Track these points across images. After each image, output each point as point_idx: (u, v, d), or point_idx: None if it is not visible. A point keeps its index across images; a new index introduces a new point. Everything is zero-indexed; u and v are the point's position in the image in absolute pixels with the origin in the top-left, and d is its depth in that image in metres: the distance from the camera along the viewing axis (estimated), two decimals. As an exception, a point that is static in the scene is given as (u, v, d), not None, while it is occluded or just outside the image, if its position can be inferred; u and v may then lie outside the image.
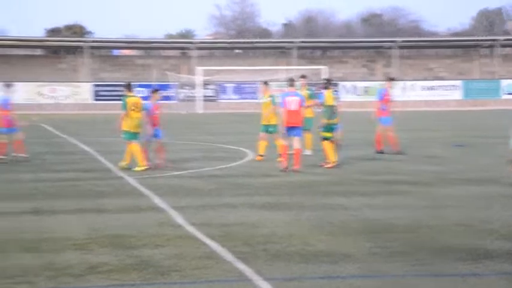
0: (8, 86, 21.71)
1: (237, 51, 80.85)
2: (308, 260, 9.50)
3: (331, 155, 19.04)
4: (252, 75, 60.04)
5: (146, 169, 18.29)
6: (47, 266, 9.25)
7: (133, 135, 18.76)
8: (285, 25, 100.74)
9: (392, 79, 23.83)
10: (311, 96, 21.22)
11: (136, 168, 18.42)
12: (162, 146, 19.36)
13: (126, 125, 18.78)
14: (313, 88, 24.99)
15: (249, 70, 61.30)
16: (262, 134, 20.73)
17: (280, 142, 19.35)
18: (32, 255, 9.84)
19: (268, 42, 78.08)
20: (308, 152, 21.38)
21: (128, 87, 19.44)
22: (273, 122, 20.48)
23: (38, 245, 10.41)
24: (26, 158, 20.87)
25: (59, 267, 9.21)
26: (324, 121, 19.33)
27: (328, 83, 20.36)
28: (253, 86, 57.43)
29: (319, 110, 20.12)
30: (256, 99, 47.20)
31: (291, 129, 18.71)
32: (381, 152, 21.94)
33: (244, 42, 77.05)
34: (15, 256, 9.79)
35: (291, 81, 19.38)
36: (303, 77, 22.38)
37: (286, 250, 10.04)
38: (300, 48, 69.19)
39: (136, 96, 19.62)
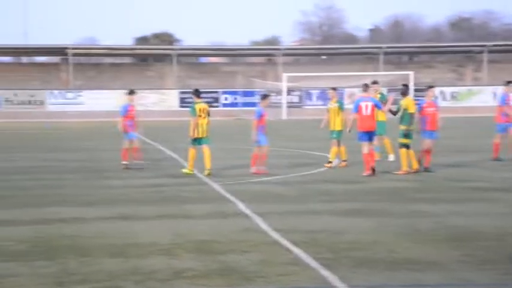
0: (131, 93, 22.00)
1: (323, 57, 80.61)
2: (393, 267, 9.36)
3: (405, 163, 18.80)
4: (337, 81, 59.68)
5: (191, 174, 19.04)
6: (134, 270, 9.38)
7: (199, 141, 19.31)
8: (372, 30, 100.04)
9: (510, 82, 22.81)
10: (382, 101, 20.90)
11: (184, 170, 19.30)
12: (264, 152, 19.62)
13: (193, 131, 19.30)
14: (385, 93, 24.73)
15: (334, 76, 60.94)
16: (333, 141, 20.68)
17: (335, 149, 20.36)
18: (119, 260, 9.99)
19: (355, 48, 77.57)
20: (391, 158, 21.25)
21: (196, 93, 19.84)
22: (337, 128, 20.43)
23: (124, 250, 10.57)
24: (142, 165, 20.97)
25: (145, 272, 9.32)
26: (403, 127, 19.05)
27: (406, 89, 20.05)
28: (340, 92, 57.13)
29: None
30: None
31: (364, 134, 18.77)
32: (498, 160, 21.34)
33: (330, 48, 76.73)
34: (102, 261, 9.96)
35: (365, 87, 19.52)
36: (375, 82, 22.10)
37: (371, 257, 9.93)
38: (386, 53, 68.55)
39: (203, 102, 19.96)
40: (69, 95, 56.51)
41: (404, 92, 19.74)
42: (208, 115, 19.54)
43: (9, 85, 60.14)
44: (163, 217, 13.20)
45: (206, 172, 18.98)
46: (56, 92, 56.50)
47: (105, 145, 29.17)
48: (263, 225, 12.23)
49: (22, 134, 32.29)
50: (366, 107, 18.78)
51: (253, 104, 57.77)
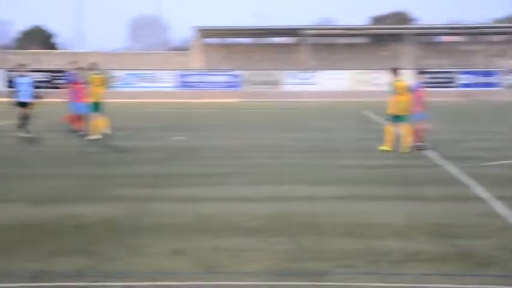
0: (421, 72, 22.27)
1: None
2: None
3: None
4: None
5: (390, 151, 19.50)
6: (366, 251, 9.33)
7: (399, 118, 19.96)
8: None
9: None
10: None
11: (381, 147, 19.90)
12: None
13: (394, 109, 19.96)
14: None
15: None
16: None
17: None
18: (351, 240, 9.99)
19: None
20: None
21: (394, 71, 20.55)
22: None
23: (358, 230, 10.55)
24: (424, 146, 20.27)
25: (378, 252, 9.25)
26: None
27: None
28: None
29: None
30: None
31: None
32: None
33: None
34: (336, 240, 10.00)
35: None
36: None
37: None
38: None
39: (403, 80, 20.46)
40: (304, 75, 57.52)
41: None
42: (409, 91, 20.13)
43: (249, 65, 62.32)
44: (397, 198, 13.04)
45: (405, 150, 19.39)
46: (291, 72, 57.74)
47: (338, 125, 29.37)
48: (502, 210, 11.72)
49: (256, 113, 33.26)
50: None
51: (492, 85, 55.83)
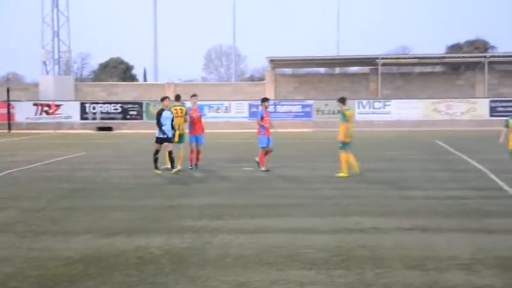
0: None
1: None
2: None
3: None
4: None
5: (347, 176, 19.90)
6: (431, 284, 9.24)
7: (348, 145, 21.67)
8: None
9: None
10: None
11: (338, 174, 21.33)
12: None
13: (344, 136, 21.63)
14: None
15: None
16: None
17: None
18: (416, 272, 9.88)
19: None
20: None
21: (343, 100, 21.98)
22: None
23: (423, 262, 10.43)
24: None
25: (443, 286, 9.15)
26: None
27: None
28: None
29: None
30: None
31: None
32: None
33: None
34: (400, 273, 9.91)
35: None
36: None
37: None
38: None
39: (350, 109, 22.49)
40: (377, 104, 57.16)
41: None
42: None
43: (322, 95, 62.33)
44: (464, 230, 12.83)
45: (357, 170, 21.35)
46: (364, 101, 57.49)
47: (408, 155, 29.09)
48: None
49: (327, 143, 33.09)
50: None
51: None
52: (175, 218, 14.46)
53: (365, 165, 24.54)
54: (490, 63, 63.32)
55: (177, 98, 24.67)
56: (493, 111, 56.28)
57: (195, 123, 24.07)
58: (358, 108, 55.49)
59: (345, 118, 21.77)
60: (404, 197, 17.24)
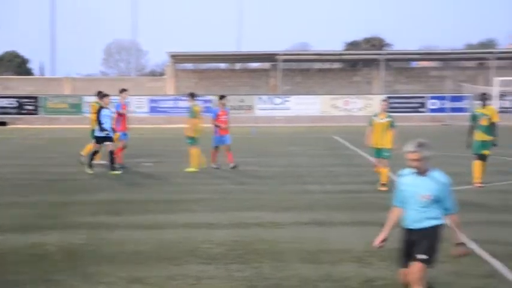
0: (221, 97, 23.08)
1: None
2: None
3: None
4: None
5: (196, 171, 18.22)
6: (326, 277, 9.42)
7: (195, 140, 21.93)
8: None
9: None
10: None
11: (188, 169, 20.72)
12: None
13: (192, 131, 21.93)
14: None
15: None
16: None
17: None
18: (311, 266, 10.06)
19: None
20: None
21: (192, 96, 22.28)
22: None
23: (318, 256, 10.63)
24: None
25: (336, 278, 9.34)
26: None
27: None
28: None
29: None
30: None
31: None
32: None
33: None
34: (296, 266, 10.07)
35: None
36: None
37: None
38: None
39: (199, 105, 22.90)
40: (277, 100, 57.71)
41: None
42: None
43: (223, 91, 62.43)
44: (358, 224, 13.13)
45: (204, 165, 21.89)
46: (264, 97, 57.92)
47: (307, 150, 29.51)
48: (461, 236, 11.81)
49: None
50: None
51: (461, 110, 56.35)
52: (72, 214, 14.25)
53: (265, 160, 24.77)
54: (386, 60, 64.80)
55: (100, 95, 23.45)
56: (388, 107, 57.54)
57: (124, 120, 23.04)
58: (259, 104, 55.82)
59: (193, 114, 22.07)
60: (303, 191, 17.48)
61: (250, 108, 57.46)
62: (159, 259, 10.50)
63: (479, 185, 17.73)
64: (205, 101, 57.72)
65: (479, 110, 18.31)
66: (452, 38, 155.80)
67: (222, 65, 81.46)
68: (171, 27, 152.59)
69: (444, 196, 7.64)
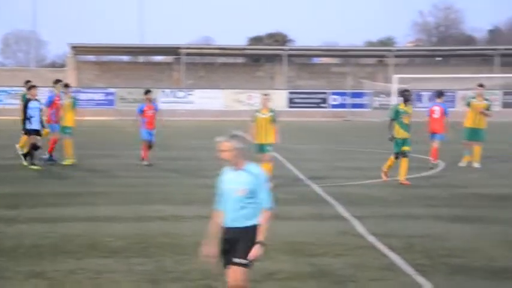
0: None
1: (437, 58, 78.93)
2: (491, 276, 9.09)
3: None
4: (450, 83, 58.55)
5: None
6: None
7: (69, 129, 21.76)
8: (491, 31, 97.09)
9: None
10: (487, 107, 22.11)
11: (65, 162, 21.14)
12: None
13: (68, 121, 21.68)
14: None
15: (447, 78, 59.64)
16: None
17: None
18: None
19: (470, 50, 75.37)
20: (476, 165, 21.42)
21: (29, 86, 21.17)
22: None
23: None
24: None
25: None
26: None
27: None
28: (452, 94, 55.82)
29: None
30: (453, 108, 45.71)
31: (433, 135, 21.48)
32: None
33: (445, 50, 75.02)
34: (198, 260, 10.04)
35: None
36: (481, 86, 22.56)
37: (469, 265, 9.68)
38: (503, 55, 66.36)
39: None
40: (180, 93, 57.51)
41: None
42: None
43: (126, 83, 61.69)
44: (261, 217, 13.19)
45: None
46: (167, 90, 57.60)
47: (209, 144, 29.45)
48: (360, 229, 12.09)
49: (130, 132, 32.80)
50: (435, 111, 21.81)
51: (361, 105, 57.50)
52: (-32, 208, 13.85)
53: (167, 154, 24.66)
54: (288, 56, 65.46)
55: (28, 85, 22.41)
56: (290, 102, 58.23)
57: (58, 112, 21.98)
58: (161, 97, 55.44)
59: (73, 105, 22.20)
60: (205, 185, 17.44)
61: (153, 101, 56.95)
62: (59, 253, 10.32)
63: (406, 182, 17.73)
64: (107, 94, 57.03)
65: (402, 107, 18.40)
66: (353, 35, 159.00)
67: (125, 58, 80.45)
68: (73, 18, 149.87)
69: (260, 189, 7.29)
